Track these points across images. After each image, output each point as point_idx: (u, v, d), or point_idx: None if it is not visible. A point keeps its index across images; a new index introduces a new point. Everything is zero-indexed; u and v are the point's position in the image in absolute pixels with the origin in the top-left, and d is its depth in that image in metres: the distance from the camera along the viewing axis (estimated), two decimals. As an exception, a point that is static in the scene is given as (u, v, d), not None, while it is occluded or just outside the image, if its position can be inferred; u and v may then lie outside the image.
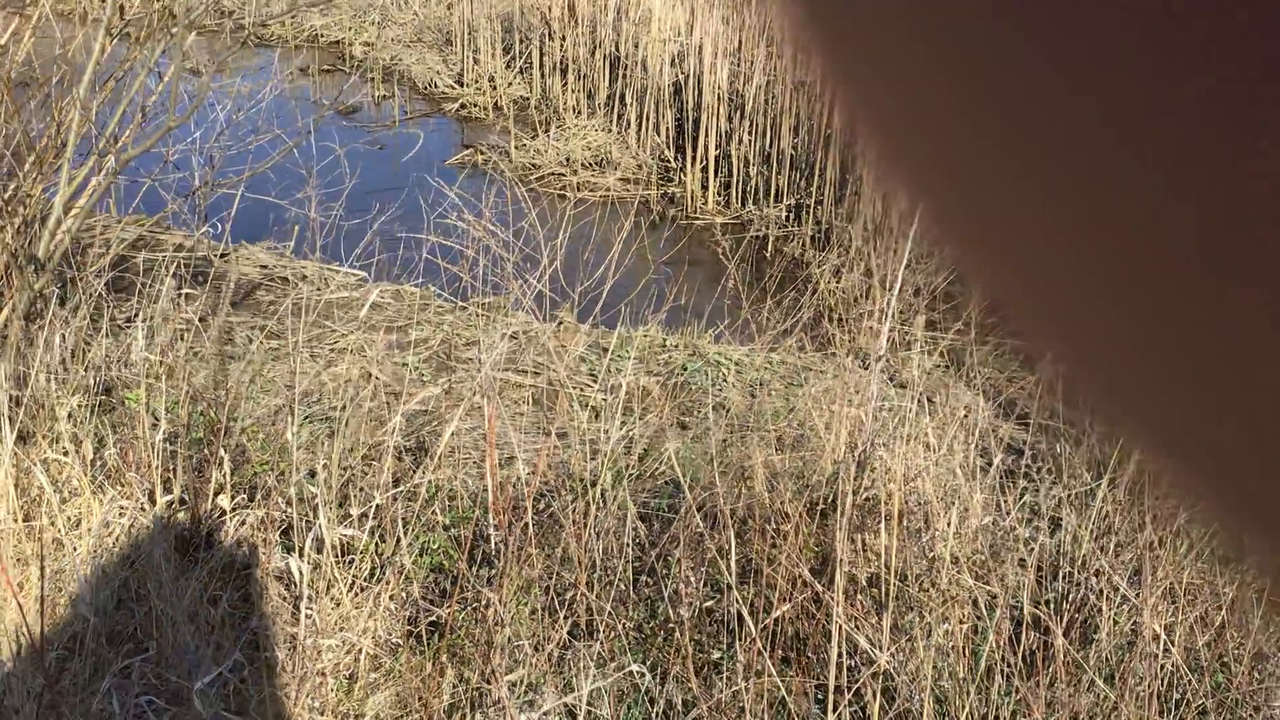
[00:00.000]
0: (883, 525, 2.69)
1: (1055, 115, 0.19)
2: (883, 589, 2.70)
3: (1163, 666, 2.68)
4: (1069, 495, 3.04)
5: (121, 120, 3.13)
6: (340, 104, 7.73)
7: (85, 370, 3.00)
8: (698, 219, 6.85)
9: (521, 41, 8.78)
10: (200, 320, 3.50)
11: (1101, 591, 2.83)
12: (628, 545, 2.93)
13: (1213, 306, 0.19)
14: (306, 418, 3.78)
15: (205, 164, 3.42)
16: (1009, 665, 2.69)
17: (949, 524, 2.75)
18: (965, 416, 3.29)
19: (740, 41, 7.39)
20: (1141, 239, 0.19)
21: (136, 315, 3.54)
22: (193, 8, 2.92)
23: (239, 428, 3.15)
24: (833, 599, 2.66)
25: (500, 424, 3.46)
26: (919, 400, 3.38)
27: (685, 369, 4.75)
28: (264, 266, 5.44)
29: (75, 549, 2.77)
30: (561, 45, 8.44)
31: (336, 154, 3.99)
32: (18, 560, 2.75)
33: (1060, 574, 2.91)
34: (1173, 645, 2.68)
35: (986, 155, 0.22)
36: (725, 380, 4.64)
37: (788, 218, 6.84)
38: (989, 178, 0.22)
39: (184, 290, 3.22)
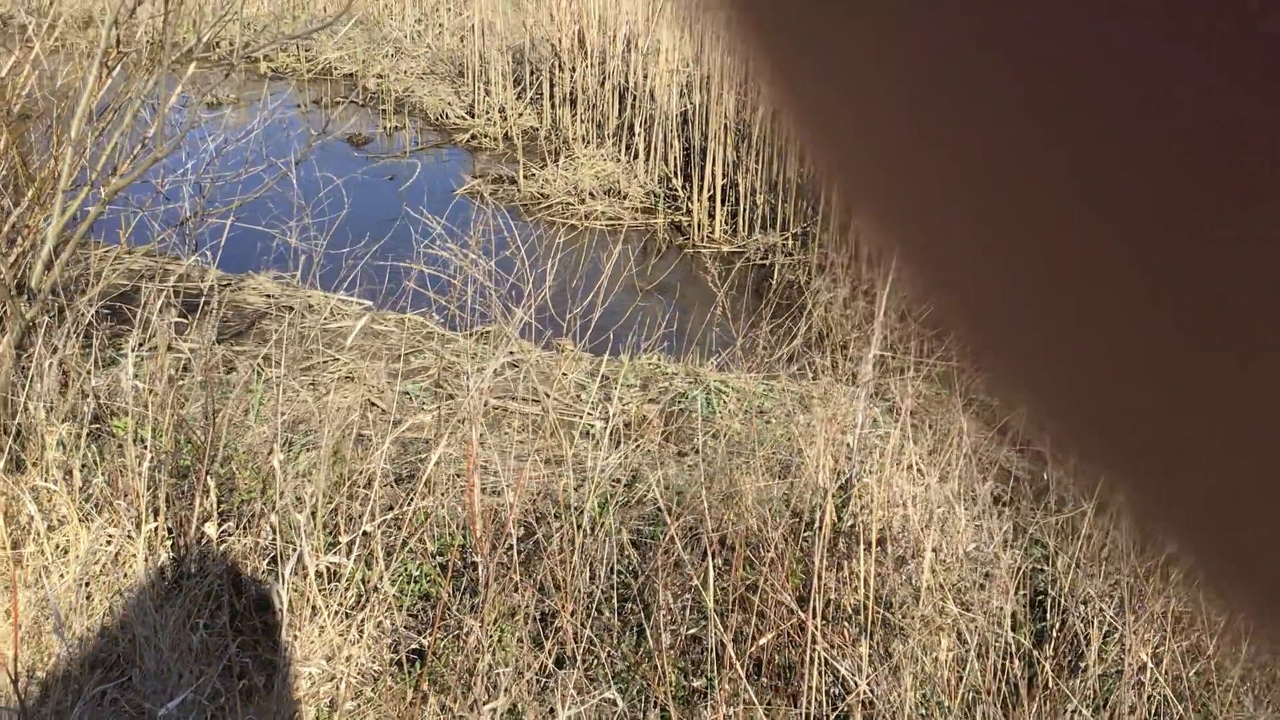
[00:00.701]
0: (863, 552, 2.68)
1: (1023, 157, 0.20)
2: (865, 615, 2.68)
3: (1150, 696, 2.65)
4: (1057, 522, 3.02)
5: (116, 151, 3.17)
6: (333, 133, 7.80)
7: (75, 399, 3.03)
8: (705, 247, 6.87)
9: (532, 73, 8.85)
10: (190, 348, 3.53)
11: (1089, 619, 2.81)
12: (614, 572, 2.92)
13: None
14: (304, 446, 3.80)
15: (197, 193, 3.46)
16: (995, 694, 2.67)
17: (934, 550, 2.73)
18: (955, 441, 3.28)
19: (747, 72, 7.42)
20: (1115, 283, 0.19)
21: (131, 345, 3.58)
22: (187, 40, 2.96)
23: (227, 455, 3.17)
24: (815, 626, 2.65)
25: (488, 451, 3.47)
26: (908, 425, 3.37)
27: (685, 396, 4.75)
28: (269, 295, 5.49)
29: (62, 576, 2.79)
30: (571, 76, 8.51)
31: (336, 183, 4.02)
32: (5, 588, 2.77)
33: (1048, 601, 2.88)
34: (1160, 674, 2.65)
35: (951, 194, 0.22)
36: (725, 407, 4.64)
37: (794, 245, 6.84)
38: (953, 214, 0.22)
39: (176, 319, 3.24)
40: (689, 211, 7.21)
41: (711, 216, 7.12)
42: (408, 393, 4.65)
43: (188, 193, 3.54)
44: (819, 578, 2.55)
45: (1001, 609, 2.71)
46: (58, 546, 2.87)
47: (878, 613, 2.66)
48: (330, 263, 4.31)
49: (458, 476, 3.65)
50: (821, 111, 0.25)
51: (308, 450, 3.78)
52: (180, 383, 3.53)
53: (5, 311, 3.08)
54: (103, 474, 2.98)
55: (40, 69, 3.75)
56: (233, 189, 3.72)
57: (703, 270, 4.69)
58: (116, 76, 3.51)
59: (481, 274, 3.82)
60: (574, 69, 8.52)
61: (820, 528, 2.65)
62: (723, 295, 3.76)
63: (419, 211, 4.99)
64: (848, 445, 3.05)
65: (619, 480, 3.46)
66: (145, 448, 2.98)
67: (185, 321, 3.51)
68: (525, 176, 7.54)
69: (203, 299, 3.10)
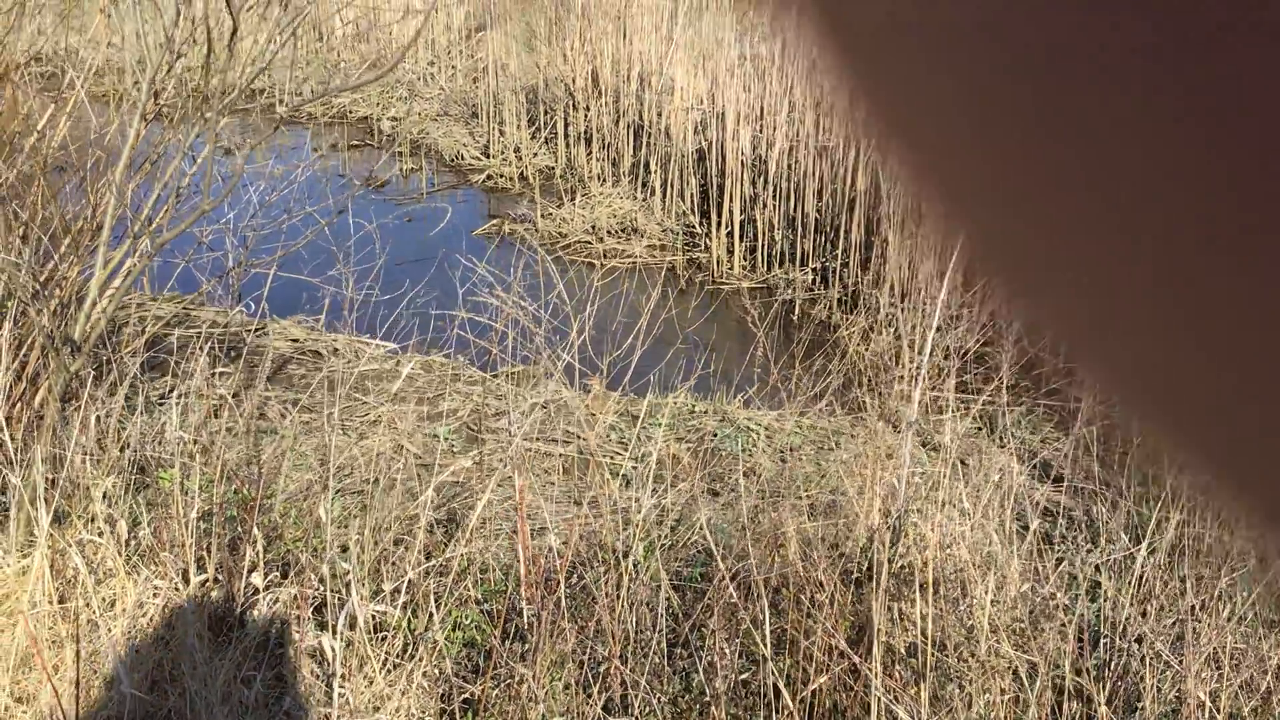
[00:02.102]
0: (918, 594, 2.66)
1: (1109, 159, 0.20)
2: (920, 659, 2.66)
3: (1210, 734, 2.62)
4: (1107, 559, 3.00)
5: (156, 202, 3.18)
6: (372, 180, 7.84)
7: (120, 450, 3.02)
8: (725, 284, 6.88)
9: (546, 113, 8.89)
10: (234, 396, 3.53)
11: (1144, 658, 2.79)
12: (661, 616, 2.90)
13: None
14: (339, 491, 3.79)
15: (240, 244, 3.47)
16: (1052, 735, 2.64)
17: (986, 591, 2.72)
18: (999, 480, 3.26)
19: (762, 108, 7.46)
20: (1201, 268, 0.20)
21: (170, 392, 3.58)
22: (227, 91, 2.98)
23: (273, 504, 3.17)
24: (870, 670, 2.63)
25: (531, 495, 3.46)
26: (952, 464, 3.36)
27: (716, 435, 4.74)
28: (295, 340, 5.50)
29: (110, 630, 2.78)
30: (585, 115, 8.55)
31: (367, 230, 4.04)
32: (53, 642, 2.76)
33: (1101, 641, 2.86)
34: (1218, 712, 2.62)
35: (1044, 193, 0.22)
36: (756, 446, 4.63)
37: (814, 281, 6.85)
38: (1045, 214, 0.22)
39: (218, 369, 3.24)
40: (707, 248, 7.23)
41: (730, 253, 7.14)
42: (438, 436, 4.64)
43: (231, 243, 3.55)
44: (876, 621, 2.53)
45: (1059, 649, 2.69)
46: (104, 600, 2.86)
47: (935, 655, 2.64)
48: (366, 307, 4.32)
49: (499, 520, 3.64)
50: (914, 127, 0.24)
51: (341, 496, 3.77)
52: (214, 429, 3.53)
53: (47, 364, 3.09)
54: (149, 525, 2.97)
55: (74, 119, 3.77)
56: (268, 237, 3.73)
57: (741, 310, 4.69)
58: (151, 128, 3.53)
59: (524, 317, 3.82)
60: (588, 108, 8.56)
61: (874, 569, 2.64)
62: (763, 335, 3.76)
63: (447, 254, 4.99)
64: (893, 484, 3.04)
65: (661, 522, 3.44)
66: (190, 498, 2.98)
67: (226, 370, 3.51)
68: (543, 216, 7.56)
69: (244, 346, 3.09)
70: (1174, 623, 2.87)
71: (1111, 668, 2.79)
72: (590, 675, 2.86)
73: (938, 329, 3.33)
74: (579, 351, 4.47)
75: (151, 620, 2.83)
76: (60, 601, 2.82)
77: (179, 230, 3.04)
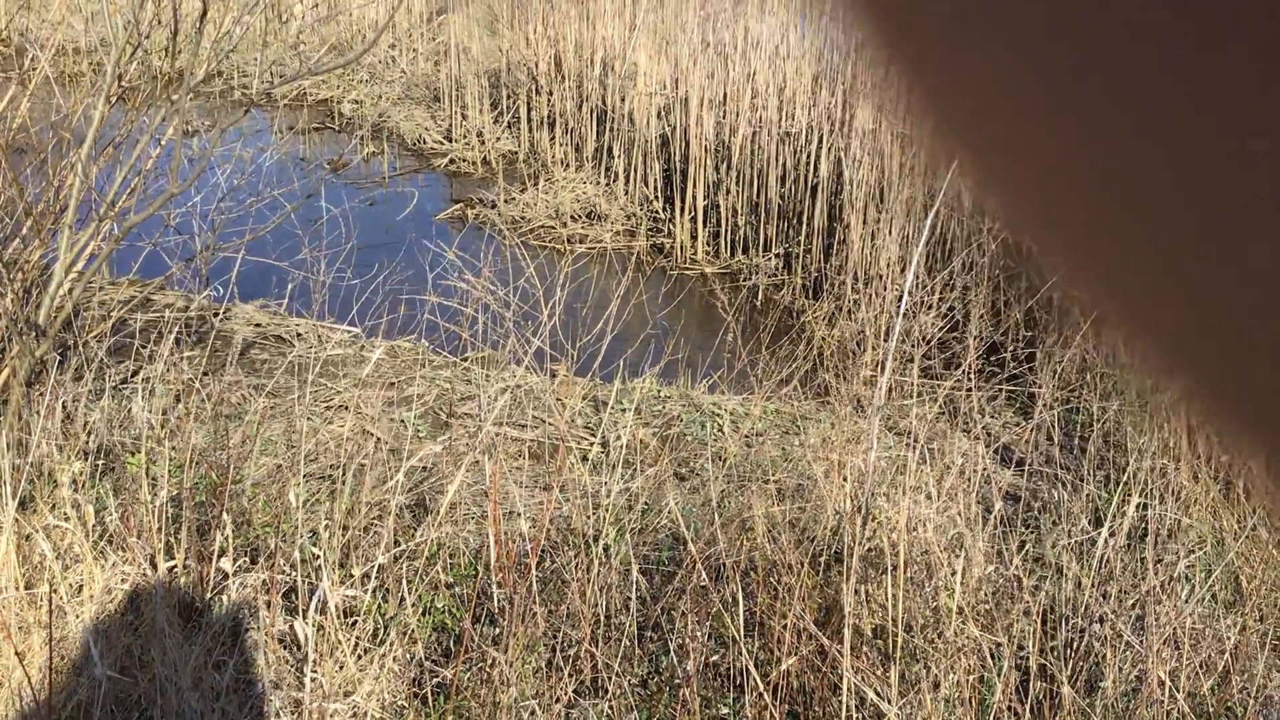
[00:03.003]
0: (888, 576, 2.70)
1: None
2: (889, 641, 2.70)
3: (1169, 713, 2.68)
4: (1070, 541, 3.05)
5: (121, 184, 3.15)
6: (340, 164, 7.79)
7: (86, 435, 3.00)
8: (689, 269, 6.90)
9: (509, 97, 8.86)
10: (200, 381, 3.51)
11: (1105, 639, 2.84)
12: (632, 600, 2.92)
13: None
14: (305, 476, 3.77)
15: (207, 228, 3.45)
16: (1016, 715, 2.69)
17: (954, 573, 2.76)
18: (963, 464, 3.31)
19: (725, 94, 7.48)
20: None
21: (134, 376, 3.55)
22: (194, 73, 2.95)
23: (242, 490, 3.15)
24: (838, 651, 2.67)
25: (501, 480, 3.47)
26: (916, 448, 3.40)
27: (681, 420, 4.76)
28: (258, 325, 5.46)
29: (78, 616, 2.76)
30: (549, 100, 8.53)
31: (333, 214, 4.01)
32: (20, 628, 2.74)
33: (1063, 621, 2.92)
34: (1178, 691, 2.68)
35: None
36: (721, 431, 4.65)
37: (777, 267, 6.89)
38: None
39: (185, 354, 3.22)
40: (671, 234, 7.24)
41: (694, 238, 7.16)
42: (403, 421, 4.63)
43: (198, 226, 3.52)
44: (847, 605, 2.56)
45: (1024, 630, 2.74)
46: (72, 585, 2.84)
47: (903, 637, 2.68)
48: (330, 291, 4.30)
49: (467, 505, 3.64)
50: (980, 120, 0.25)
51: (309, 480, 3.76)
52: (180, 414, 3.50)
53: (11, 348, 3.05)
54: (116, 511, 2.95)
55: (35, 101, 3.72)
56: (233, 221, 3.71)
57: (709, 295, 4.71)
58: (116, 109, 3.49)
59: (494, 302, 3.82)
60: (551, 93, 8.54)
61: (847, 552, 2.67)
62: (732, 320, 3.78)
63: (414, 239, 4.98)
64: (861, 468, 3.07)
65: (631, 507, 3.46)
66: (157, 483, 2.96)
67: (191, 355, 3.49)
68: (505, 200, 7.55)
69: (209, 330, 3.07)
70: (1134, 604, 2.93)
71: (1074, 648, 2.85)
72: (561, 659, 2.87)
73: (903, 315, 3.37)
74: (546, 337, 4.47)
75: (120, 606, 2.81)
76: (27, 587, 2.80)
77: (147, 214, 3.01)
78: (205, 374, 3.99)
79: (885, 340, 3.06)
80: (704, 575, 2.83)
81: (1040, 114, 0.23)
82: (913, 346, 3.79)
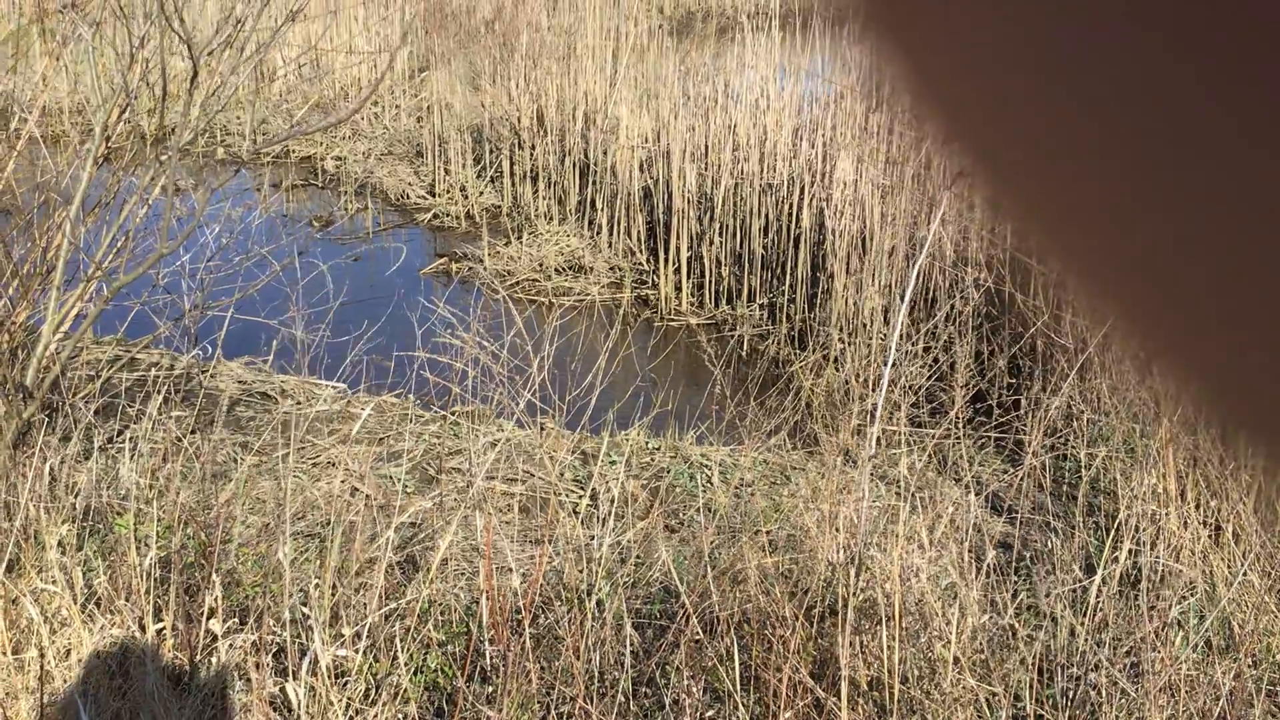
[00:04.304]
0: (884, 628, 2.69)
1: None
2: (886, 693, 2.69)
3: (1168, 761, 2.67)
4: (1063, 590, 3.05)
5: (110, 244, 3.15)
6: (330, 221, 7.81)
7: (74, 497, 2.98)
8: (674, 320, 6.92)
9: (491, 151, 8.92)
10: (188, 440, 3.49)
11: (1098, 686, 2.83)
12: (627, 656, 2.90)
13: None
14: (294, 534, 3.75)
15: (197, 287, 3.44)
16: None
17: (948, 623, 2.75)
18: (954, 512, 3.31)
19: (707, 145, 7.54)
20: None
21: (118, 435, 3.53)
22: (182, 135, 2.96)
23: (230, 550, 3.13)
24: (834, 704, 2.65)
25: (493, 536, 3.45)
26: (907, 498, 3.40)
27: (669, 472, 4.75)
28: (243, 382, 5.44)
29: (65, 680, 2.72)
30: (531, 154, 8.58)
31: (321, 269, 4.02)
32: (7, 694, 2.70)
33: (1060, 670, 2.91)
34: (1176, 739, 2.67)
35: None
36: (709, 482, 4.65)
37: (762, 317, 6.92)
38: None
39: (174, 413, 3.21)
40: (655, 285, 7.27)
41: (678, 290, 7.18)
42: (390, 477, 4.61)
43: (186, 285, 3.52)
44: (844, 659, 2.55)
45: (1020, 680, 2.73)
46: (60, 649, 2.81)
47: (901, 689, 2.66)
48: (316, 348, 4.29)
49: (457, 560, 3.62)
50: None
51: (297, 539, 3.73)
52: (168, 474, 3.48)
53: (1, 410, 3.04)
54: (104, 573, 2.93)
55: (20, 162, 3.73)
56: (221, 280, 3.71)
57: (696, 348, 4.72)
58: (103, 169, 3.50)
59: (484, 356, 3.82)
60: (534, 147, 8.60)
61: (842, 604, 2.66)
62: (720, 372, 3.79)
63: (400, 294, 4.98)
64: (851, 519, 3.07)
65: (623, 560, 3.45)
66: (145, 545, 2.94)
67: (182, 415, 3.47)
68: (490, 254, 7.57)
69: (199, 389, 3.06)
70: (1128, 651, 2.92)
71: (1070, 698, 2.84)
72: (555, 716, 2.85)
73: (891, 365, 3.39)
74: (534, 391, 4.47)
75: (109, 670, 2.78)
76: (14, 652, 2.76)
77: (138, 273, 3.01)
78: (192, 432, 3.97)
79: (874, 390, 3.07)
80: (698, 630, 2.81)
81: (1053, 116, 0.23)
82: (900, 395, 3.80)
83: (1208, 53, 0.20)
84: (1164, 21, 0.21)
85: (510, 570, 3.37)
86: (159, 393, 3.02)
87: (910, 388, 3.72)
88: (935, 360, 4.08)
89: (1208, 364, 0.23)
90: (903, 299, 2.83)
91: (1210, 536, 3.47)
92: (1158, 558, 3.09)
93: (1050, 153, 0.23)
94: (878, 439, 3.62)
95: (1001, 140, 0.24)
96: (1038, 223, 0.25)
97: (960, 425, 3.47)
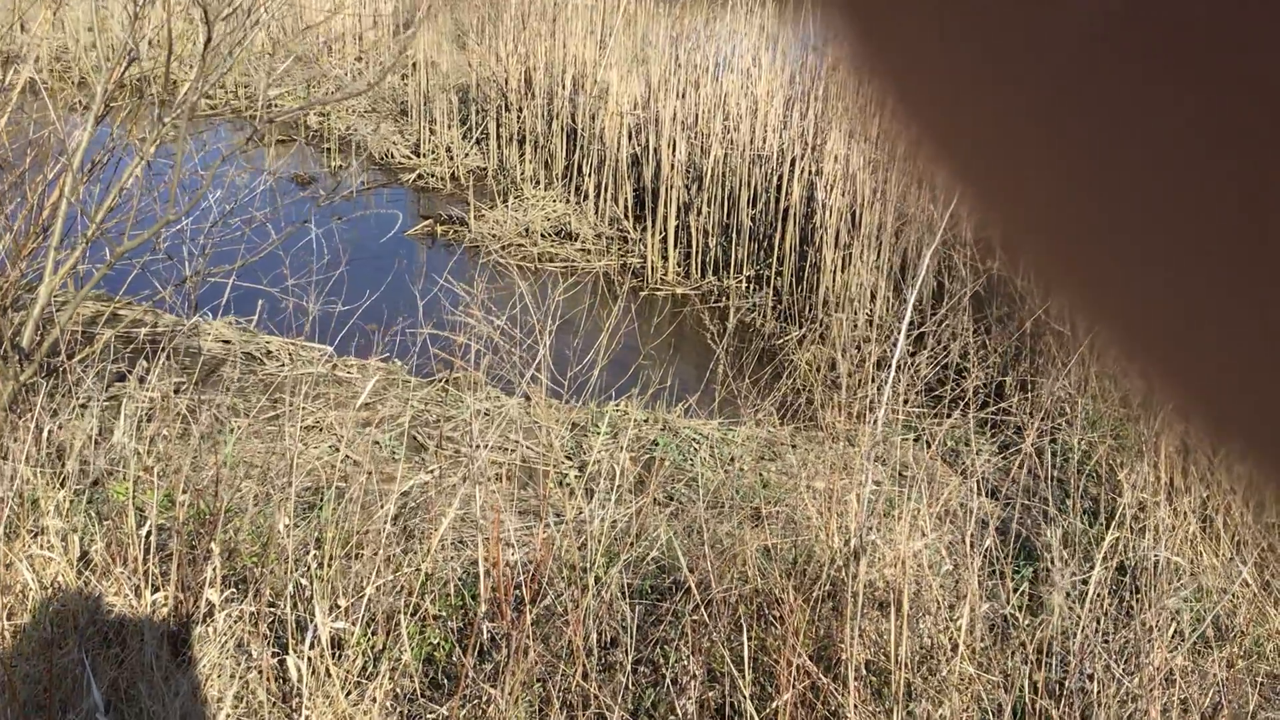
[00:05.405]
0: (891, 612, 2.70)
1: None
2: (892, 682, 2.70)
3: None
4: (1061, 579, 3.07)
5: (110, 206, 3.09)
6: (307, 179, 7.71)
7: (71, 463, 2.93)
8: (659, 289, 6.90)
9: (478, 113, 8.83)
10: (177, 401, 3.45)
11: (1093, 675, 2.86)
12: (630, 635, 2.90)
13: None
14: (281, 501, 3.71)
15: (199, 252, 3.39)
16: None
17: (950, 610, 2.77)
18: (951, 499, 3.33)
19: (697, 115, 7.49)
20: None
21: (112, 399, 3.47)
22: (190, 95, 2.90)
23: (228, 517, 3.10)
24: (832, 687, 2.66)
25: (493, 509, 3.43)
26: (904, 482, 3.41)
27: (658, 444, 4.75)
28: (227, 342, 5.38)
29: (62, 648, 2.69)
30: (518, 117, 8.50)
31: (301, 226, 3.96)
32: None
33: (1056, 659, 2.93)
34: (1171, 729, 2.70)
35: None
36: (697, 455, 4.65)
37: (748, 288, 6.90)
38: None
39: (172, 379, 3.16)
40: (641, 254, 7.24)
41: (664, 258, 7.16)
42: (378, 443, 4.58)
43: (188, 250, 3.46)
44: (849, 644, 2.56)
45: (1019, 668, 2.75)
46: (57, 615, 2.78)
47: (902, 675, 2.68)
48: (298, 309, 4.24)
49: (456, 533, 3.60)
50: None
51: (287, 504, 3.70)
52: (165, 438, 3.44)
53: (-7, 371, 2.99)
54: (101, 539, 2.89)
55: (14, 116, 3.64)
56: (222, 243, 3.65)
57: (676, 314, 4.71)
58: (102, 128, 3.42)
59: (484, 325, 3.79)
60: (521, 110, 8.52)
61: (838, 590, 2.67)
62: (722, 350, 3.77)
63: (384, 252, 4.93)
64: (854, 503, 3.07)
65: (624, 534, 3.44)
66: (143, 512, 2.90)
67: (180, 381, 3.43)
68: (475, 218, 7.51)
69: (194, 350, 3.02)
70: (1125, 641, 2.95)
71: (1066, 686, 2.86)
72: (554, 694, 2.84)
73: (891, 346, 3.38)
74: (520, 359, 4.46)
75: (106, 639, 2.75)
76: (9, 618, 2.73)
77: (142, 238, 2.96)
78: (176, 391, 3.92)
79: (880, 370, 3.07)
80: (701, 610, 2.82)
81: (1030, 124, 0.22)
82: (898, 378, 3.80)
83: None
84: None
85: (510, 545, 3.36)
86: (161, 354, 2.97)
87: (912, 372, 3.73)
88: (938, 345, 4.08)
89: (1181, 370, 0.23)
90: (912, 288, 2.82)
91: (1200, 526, 3.50)
92: (1157, 548, 3.12)
93: (1002, 137, 0.23)
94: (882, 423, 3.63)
95: (959, 126, 0.24)
96: (996, 210, 0.24)
97: (965, 410, 3.47)
